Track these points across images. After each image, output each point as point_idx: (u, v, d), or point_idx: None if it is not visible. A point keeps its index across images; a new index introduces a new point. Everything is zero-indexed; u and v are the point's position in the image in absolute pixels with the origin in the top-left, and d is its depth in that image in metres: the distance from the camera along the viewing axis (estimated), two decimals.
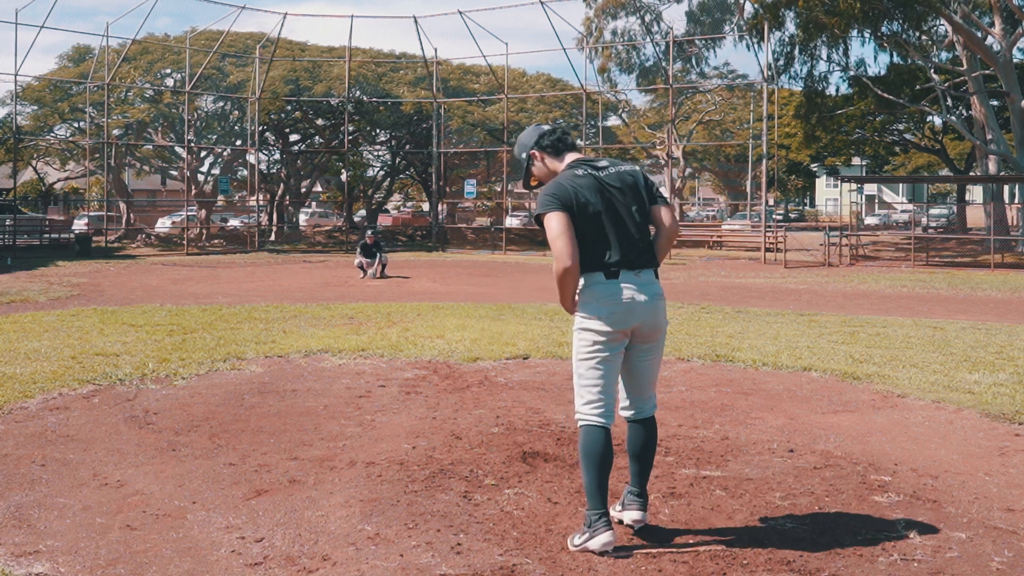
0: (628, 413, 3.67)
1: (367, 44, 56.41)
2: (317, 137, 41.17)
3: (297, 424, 5.50)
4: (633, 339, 3.54)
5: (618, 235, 3.47)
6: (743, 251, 30.89)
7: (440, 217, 35.82)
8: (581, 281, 3.50)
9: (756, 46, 29.42)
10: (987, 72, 28.35)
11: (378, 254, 18.58)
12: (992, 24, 28.02)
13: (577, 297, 3.54)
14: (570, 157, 3.65)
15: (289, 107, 36.94)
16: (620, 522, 3.67)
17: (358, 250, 19.16)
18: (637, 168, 3.68)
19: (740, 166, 54.58)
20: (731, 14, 35.61)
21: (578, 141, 37.26)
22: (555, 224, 3.40)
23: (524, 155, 3.75)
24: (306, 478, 4.40)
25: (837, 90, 36.98)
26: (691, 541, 3.60)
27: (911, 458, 4.83)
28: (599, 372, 3.49)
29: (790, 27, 29.42)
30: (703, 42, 37.43)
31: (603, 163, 3.60)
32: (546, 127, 3.76)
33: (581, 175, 3.50)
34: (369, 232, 19.81)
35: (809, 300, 14.41)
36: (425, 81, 34.43)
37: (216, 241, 33.96)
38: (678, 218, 41.39)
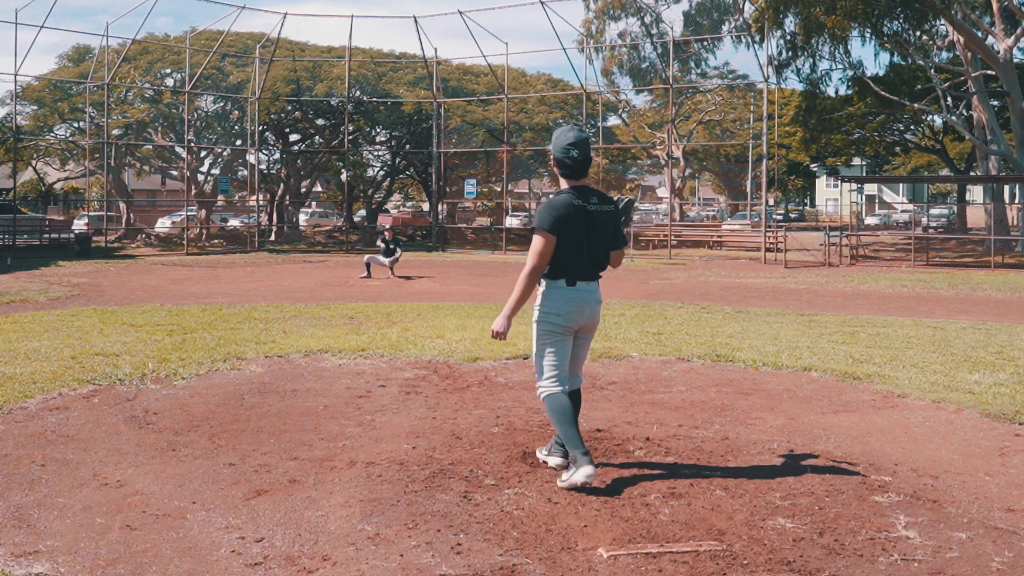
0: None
1: (367, 44, 56.39)
2: (317, 137, 41.15)
3: (297, 424, 5.50)
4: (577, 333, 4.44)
5: (583, 255, 4.29)
6: (743, 251, 30.87)
7: (440, 217, 35.79)
8: (543, 285, 4.34)
9: (756, 46, 29.42)
10: (988, 72, 28.35)
11: (396, 250, 18.55)
12: (992, 24, 28.02)
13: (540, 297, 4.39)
14: (573, 183, 4.30)
15: (289, 107, 36.92)
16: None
17: (378, 245, 19.22)
18: (618, 210, 4.40)
19: (740, 166, 54.57)
20: (730, 15, 35.62)
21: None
22: (539, 243, 4.22)
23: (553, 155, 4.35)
24: (306, 478, 4.40)
25: (837, 91, 37.02)
26: (691, 541, 3.60)
27: (911, 458, 4.83)
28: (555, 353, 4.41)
29: (790, 26, 29.40)
30: (702, 43, 37.45)
31: (594, 199, 4.29)
32: (573, 142, 4.26)
33: (576, 206, 4.22)
34: (388, 227, 20.11)
35: (809, 300, 14.41)
36: (425, 81, 34.42)
37: (216, 241, 33.96)
38: (677, 218, 41.71)
